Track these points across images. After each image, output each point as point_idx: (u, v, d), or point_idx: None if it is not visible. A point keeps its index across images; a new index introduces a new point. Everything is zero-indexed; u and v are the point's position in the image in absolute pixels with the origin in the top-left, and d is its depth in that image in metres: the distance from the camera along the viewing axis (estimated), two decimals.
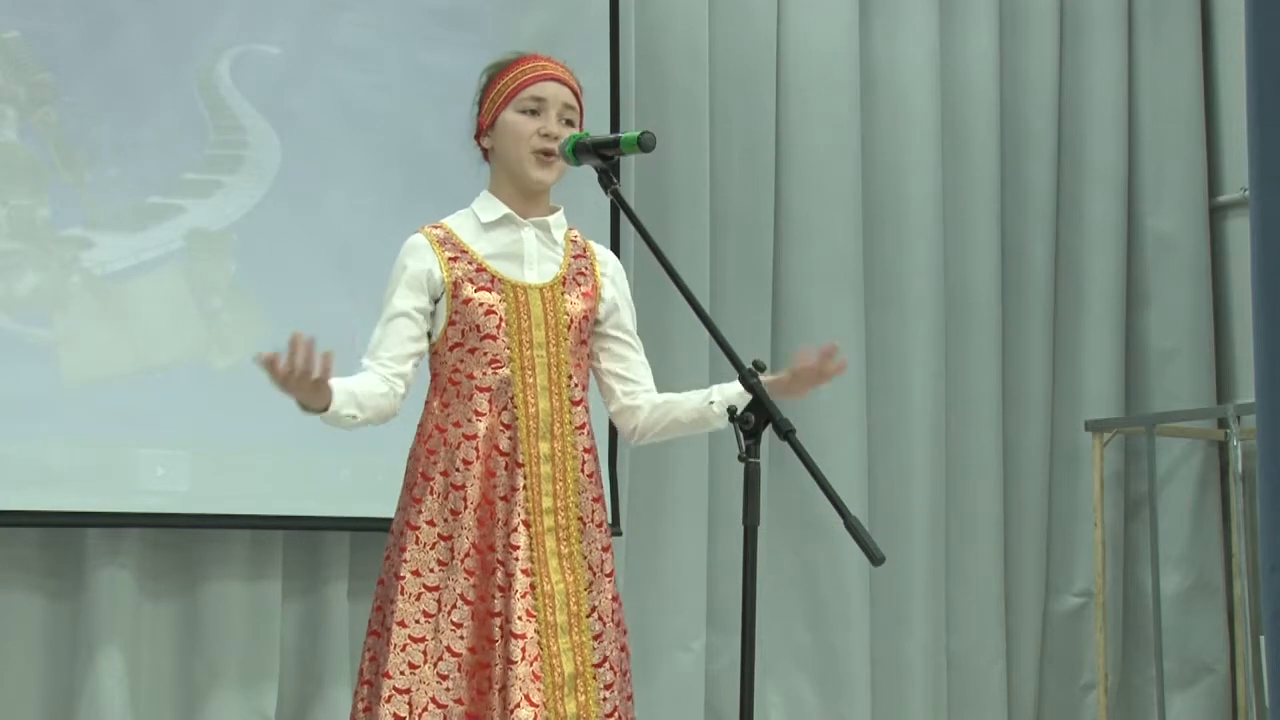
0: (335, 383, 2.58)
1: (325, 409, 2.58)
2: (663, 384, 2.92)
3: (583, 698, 2.64)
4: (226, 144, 4.25)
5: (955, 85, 5.36)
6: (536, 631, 2.61)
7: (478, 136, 2.85)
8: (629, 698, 2.76)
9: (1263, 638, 3.06)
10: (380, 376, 2.70)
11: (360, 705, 2.71)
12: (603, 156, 2.69)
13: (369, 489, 4.15)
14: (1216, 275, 5.68)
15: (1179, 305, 5.58)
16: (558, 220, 2.84)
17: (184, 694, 4.21)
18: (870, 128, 5.21)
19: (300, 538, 4.33)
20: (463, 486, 2.67)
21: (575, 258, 2.84)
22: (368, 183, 4.37)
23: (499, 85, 2.80)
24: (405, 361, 2.73)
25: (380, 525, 3.89)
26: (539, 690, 2.58)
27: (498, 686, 2.59)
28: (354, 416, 2.63)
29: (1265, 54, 3.05)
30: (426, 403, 2.77)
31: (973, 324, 5.32)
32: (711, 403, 2.81)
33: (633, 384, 2.88)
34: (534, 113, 2.76)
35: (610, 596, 2.73)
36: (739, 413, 2.42)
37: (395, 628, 2.63)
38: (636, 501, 4.74)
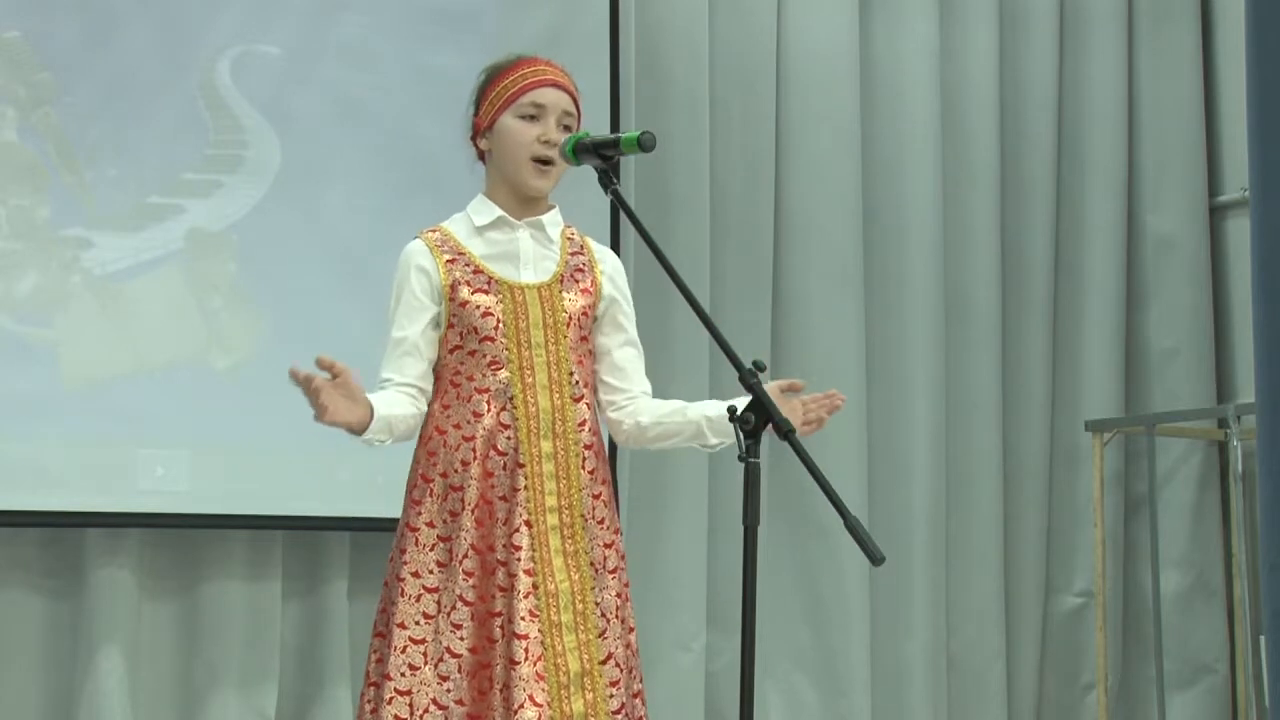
0: (376, 405, 2.62)
1: (364, 430, 2.61)
2: (662, 384, 2.93)
3: (590, 695, 2.64)
4: (226, 144, 4.25)
5: (955, 85, 5.35)
6: (540, 631, 2.61)
7: (474, 137, 2.83)
8: (636, 694, 2.75)
9: (1263, 638, 3.07)
10: (409, 397, 2.72)
11: (367, 706, 2.70)
12: (603, 157, 2.68)
13: (369, 489, 4.16)
14: (1216, 275, 5.68)
15: (1179, 305, 5.58)
16: (553, 219, 2.83)
17: (184, 694, 4.21)
18: (870, 128, 5.21)
19: (300, 538, 4.33)
20: (461, 488, 2.67)
21: (573, 254, 2.84)
22: (368, 183, 4.37)
23: (498, 88, 2.78)
24: (425, 378, 2.75)
25: (380, 525, 3.90)
26: (543, 690, 2.58)
27: (499, 686, 2.59)
28: (383, 441, 2.68)
29: (1265, 54, 3.05)
30: (428, 405, 2.77)
31: (973, 324, 5.31)
32: (709, 423, 2.79)
33: (619, 393, 2.85)
34: (533, 118, 2.75)
35: (615, 593, 2.72)
36: (739, 413, 2.42)
37: (396, 629, 2.63)
38: (636, 501, 4.74)
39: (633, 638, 2.77)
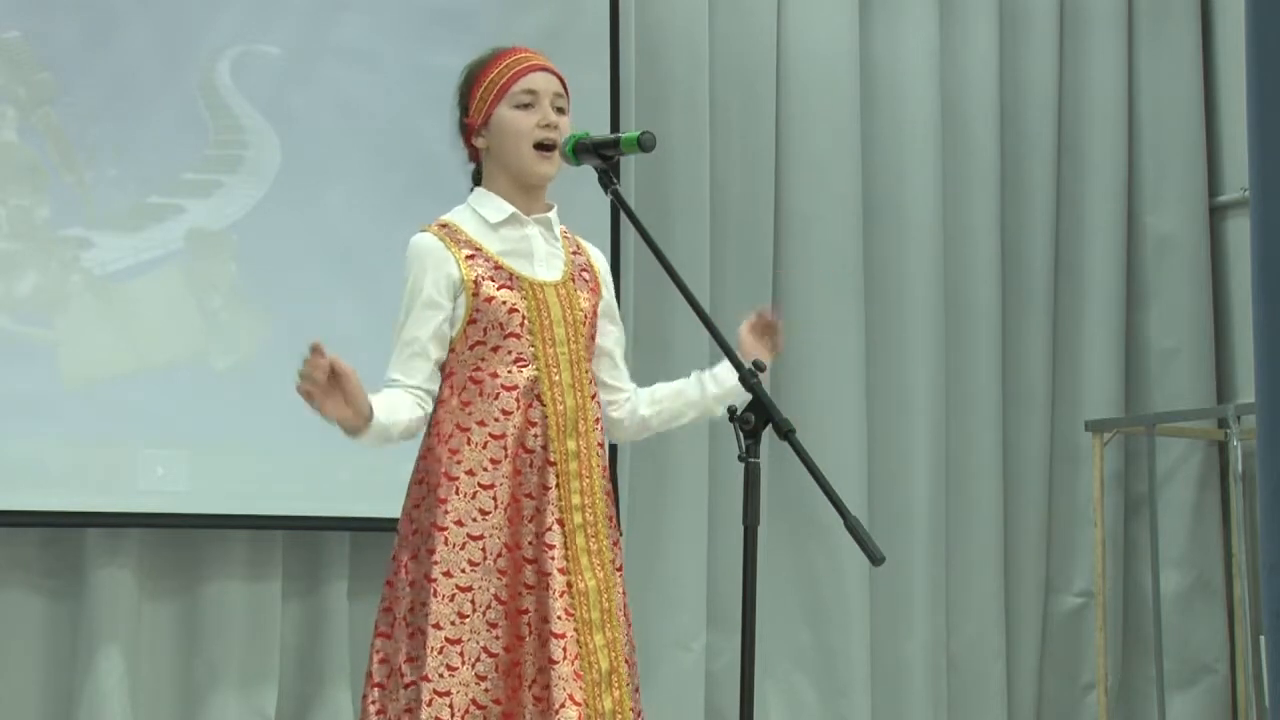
0: (376, 411, 2.57)
1: (362, 430, 2.56)
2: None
3: (618, 692, 2.65)
4: (226, 144, 4.25)
5: (955, 85, 5.36)
6: (575, 630, 2.61)
7: (468, 137, 2.80)
8: (636, 689, 2.76)
9: (1263, 638, 3.07)
10: (413, 399, 2.68)
11: (373, 708, 2.67)
12: (603, 156, 2.67)
13: (369, 489, 4.15)
14: (1216, 275, 5.68)
15: (1179, 305, 5.58)
16: (555, 217, 2.83)
17: (184, 694, 4.21)
18: (870, 128, 5.21)
19: (300, 538, 4.33)
20: (492, 486, 2.65)
21: (574, 254, 2.84)
22: (368, 183, 4.37)
23: (486, 82, 2.76)
24: (432, 379, 2.71)
25: (380, 525, 3.90)
26: (581, 689, 2.58)
27: (528, 684, 2.60)
28: (371, 445, 2.65)
29: (1265, 54, 3.05)
30: (442, 401, 2.71)
31: (973, 324, 5.32)
32: (712, 392, 2.90)
33: (619, 392, 2.89)
34: (529, 105, 2.75)
35: (620, 591, 2.74)
36: (739, 413, 2.42)
37: (431, 630, 2.59)
38: (636, 501, 4.74)
39: (631, 633, 2.79)
